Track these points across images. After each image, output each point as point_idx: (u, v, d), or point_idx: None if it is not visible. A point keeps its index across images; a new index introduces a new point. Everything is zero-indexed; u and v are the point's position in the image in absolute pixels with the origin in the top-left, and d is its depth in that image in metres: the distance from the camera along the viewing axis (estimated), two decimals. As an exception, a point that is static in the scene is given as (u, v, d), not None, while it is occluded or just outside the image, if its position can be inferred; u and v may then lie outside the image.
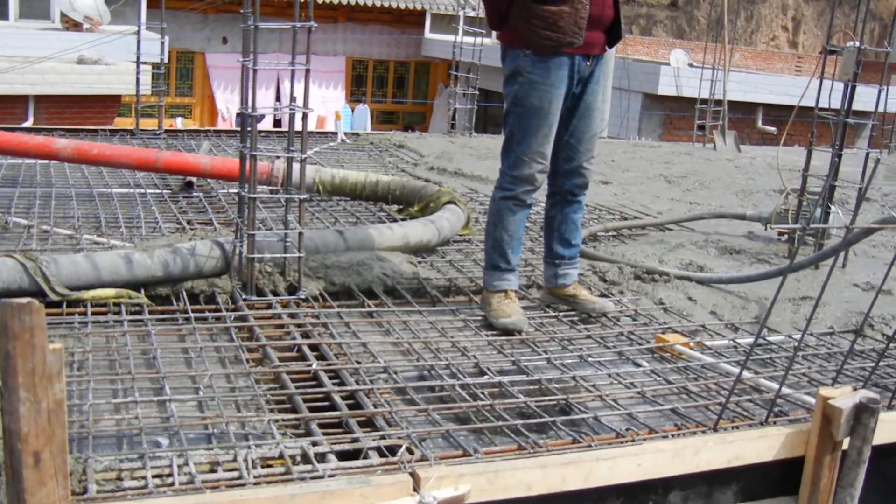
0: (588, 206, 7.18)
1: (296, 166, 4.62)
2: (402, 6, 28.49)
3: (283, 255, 4.65)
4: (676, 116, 20.29)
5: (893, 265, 3.66)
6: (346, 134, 10.98)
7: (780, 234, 6.97)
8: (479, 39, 11.87)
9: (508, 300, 4.58)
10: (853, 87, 6.26)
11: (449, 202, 6.14)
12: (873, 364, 4.00)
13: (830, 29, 6.75)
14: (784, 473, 3.47)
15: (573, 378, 3.91)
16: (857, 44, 6.26)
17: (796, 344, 3.77)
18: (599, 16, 4.46)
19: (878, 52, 6.56)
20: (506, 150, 4.55)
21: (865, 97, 7.71)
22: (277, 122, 19.20)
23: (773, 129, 21.04)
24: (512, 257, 4.61)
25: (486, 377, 3.83)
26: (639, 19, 48.75)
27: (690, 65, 21.74)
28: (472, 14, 14.11)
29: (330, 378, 3.71)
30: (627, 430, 3.45)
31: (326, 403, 3.50)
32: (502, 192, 4.56)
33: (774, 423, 3.55)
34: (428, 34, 29.18)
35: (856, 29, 6.34)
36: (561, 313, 4.81)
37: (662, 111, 20.47)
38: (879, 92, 6.37)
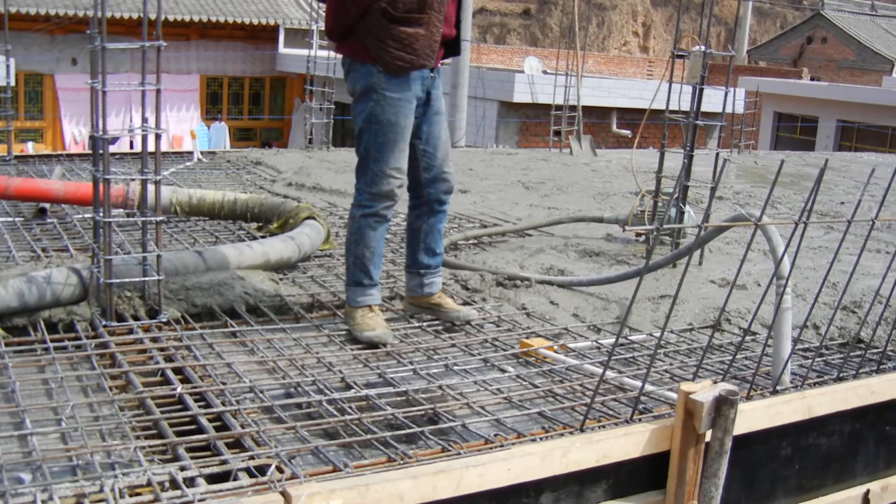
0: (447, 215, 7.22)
1: (151, 188, 4.56)
2: (255, 22, 28.34)
3: (143, 279, 4.58)
4: (532, 123, 20.58)
5: (745, 261, 3.77)
6: (202, 153, 10.85)
7: (637, 235, 7.12)
8: (333, 53, 11.85)
9: (372, 314, 4.59)
10: (701, 90, 6.44)
11: (308, 217, 6.12)
12: (731, 357, 4.11)
13: (677, 34, 6.92)
14: (651, 468, 3.54)
15: (440, 387, 3.94)
16: (703, 48, 6.43)
17: (657, 341, 3.85)
18: (447, 35, 4.57)
19: (724, 56, 6.76)
20: (362, 167, 4.54)
21: (714, 99, 7.94)
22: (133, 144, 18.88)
23: (627, 132, 21.49)
24: (374, 272, 4.62)
25: (352, 391, 3.83)
26: (492, 28, 49.37)
27: (544, 72, 22.10)
28: (325, 28, 14.07)
29: (196, 401, 3.66)
30: (496, 435, 3.48)
31: (193, 427, 3.45)
32: (362, 210, 4.55)
33: (639, 420, 3.63)
34: (282, 49, 29.09)
35: (700, 33, 6.52)
36: (425, 323, 4.84)
37: (518, 118, 20.74)
38: (726, 94, 6.56)
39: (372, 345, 4.45)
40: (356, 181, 4.58)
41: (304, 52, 12.72)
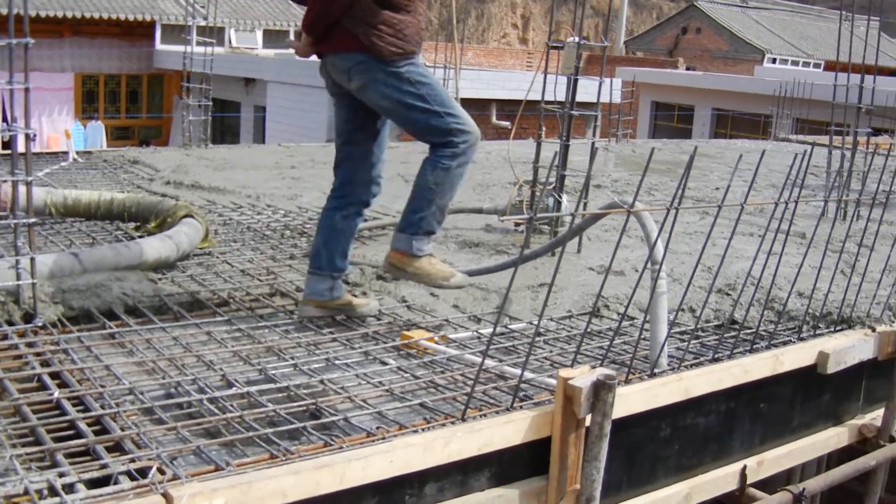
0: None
1: (22, 189, 4.46)
2: (131, 18, 27.88)
3: (16, 283, 4.48)
4: (413, 116, 20.58)
5: (621, 247, 3.84)
6: (78, 152, 10.64)
7: (516, 224, 7.19)
8: (210, 49, 11.74)
9: (437, 260, 4.67)
10: (575, 80, 6.53)
11: (186, 216, 6.05)
12: (609, 342, 4.18)
13: (552, 25, 7.00)
14: (534, 455, 3.58)
15: (321, 382, 3.93)
16: (577, 39, 6.53)
17: (535, 329, 3.90)
18: None
19: (600, 46, 6.86)
20: (440, 127, 4.50)
21: (591, 89, 8.05)
22: (6, 144, 18.43)
23: (507, 123, 21.64)
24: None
25: (233, 389, 3.80)
26: (371, 22, 49.14)
27: (425, 64, 22.11)
28: (202, 23, 13.90)
29: (74, 405, 3.59)
30: (378, 428, 3.48)
31: (72, 432, 3.38)
32: (458, 161, 4.53)
33: (520, 407, 3.66)
34: (159, 45, 28.70)
35: (575, 24, 6.61)
36: (305, 318, 4.81)
37: (399, 112, 20.72)
38: (601, 84, 6.66)
39: (459, 287, 4.75)
40: (442, 141, 4.53)
41: (181, 48, 12.55)
